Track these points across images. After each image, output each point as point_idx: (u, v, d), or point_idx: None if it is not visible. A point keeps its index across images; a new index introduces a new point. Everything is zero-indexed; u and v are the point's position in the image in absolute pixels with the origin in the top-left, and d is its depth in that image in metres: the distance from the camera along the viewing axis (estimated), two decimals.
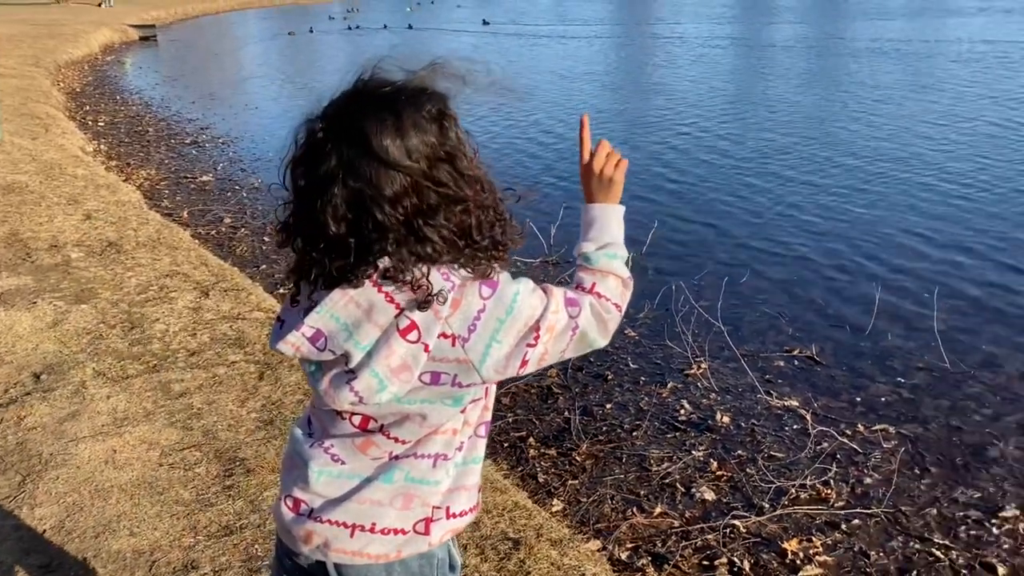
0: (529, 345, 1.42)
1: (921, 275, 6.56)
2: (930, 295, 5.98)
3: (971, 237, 7.37)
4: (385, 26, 40.05)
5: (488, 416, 1.59)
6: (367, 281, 1.36)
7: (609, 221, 1.67)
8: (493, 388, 1.58)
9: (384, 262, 1.35)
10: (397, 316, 1.36)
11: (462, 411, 1.49)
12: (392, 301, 1.36)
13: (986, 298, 6.09)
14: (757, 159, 10.69)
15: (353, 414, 1.47)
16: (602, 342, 1.55)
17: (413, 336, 1.36)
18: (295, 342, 1.42)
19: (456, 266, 1.40)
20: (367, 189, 1.33)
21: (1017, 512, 3.70)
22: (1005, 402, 4.73)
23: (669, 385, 5.01)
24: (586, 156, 1.70)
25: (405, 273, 1.35)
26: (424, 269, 1.36)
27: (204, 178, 10.54)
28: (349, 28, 39.22)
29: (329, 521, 1.51)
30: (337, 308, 1.38)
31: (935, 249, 7.12)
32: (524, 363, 1.43)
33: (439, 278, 1.37)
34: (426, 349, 1.37)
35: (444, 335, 1.37)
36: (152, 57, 27.73)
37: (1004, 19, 29.64)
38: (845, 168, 9.97)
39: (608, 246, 1.63)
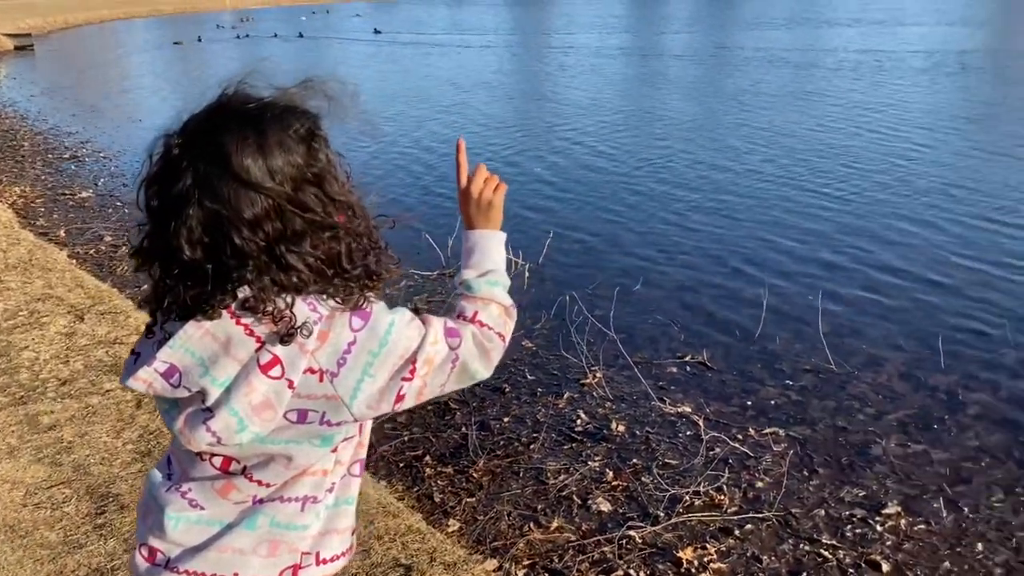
0: (405, 379, 1.34)
1: (806, 279, 6.76)
2: (814, 298, 6.17)
3: (850, 241, 7.64)
4: (276, 35, 39.34)
5: (363, 453, 1.52)
6: (224, 312, 1.27)
7: (490, 247, 1.61)
8: (368, 424, 1.50)
9: (243, 291, 1.26)
10: (258, 350, 1.27)
11: (333, 450, 1.41)
12: (252, 334, 1.27)
13: (867, 300, 6.32)
14: (646, 168, 10.87)
15: (213, 455, 1.37)
16: (485, 373, 1.49)
17: (276, 372, 1.28)
18: (147, 378, 1.31)
19: (325, 296, 1.32)
20: (225, 211, 1.24)
21: (899, 508, 3.83)
22: (886, 400, 4.89)
23: (566, 395, 5.01)
24: (463, 181, 1.65)
25: (266, 304, 1.26)
26: (288, 299, 1.27)
27: (84, 194, 10.07)
28: (239, 37, 38.38)
29: (187, 572, 1.40)
30: (192, 341, 1.28)
31: (818, 254, 7.36)
32: (400, 398, 1.35)
33: (305, 309, 1.28)
34: (290, 385, 1.28)
35: (311, 370, 1.29)
36: (28, 67, 26.45)
37: (877, 29, 31.17)
38: (731, 176, 10.24)
39: (490, 273, 1.58)
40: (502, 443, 4.48)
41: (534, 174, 10.73)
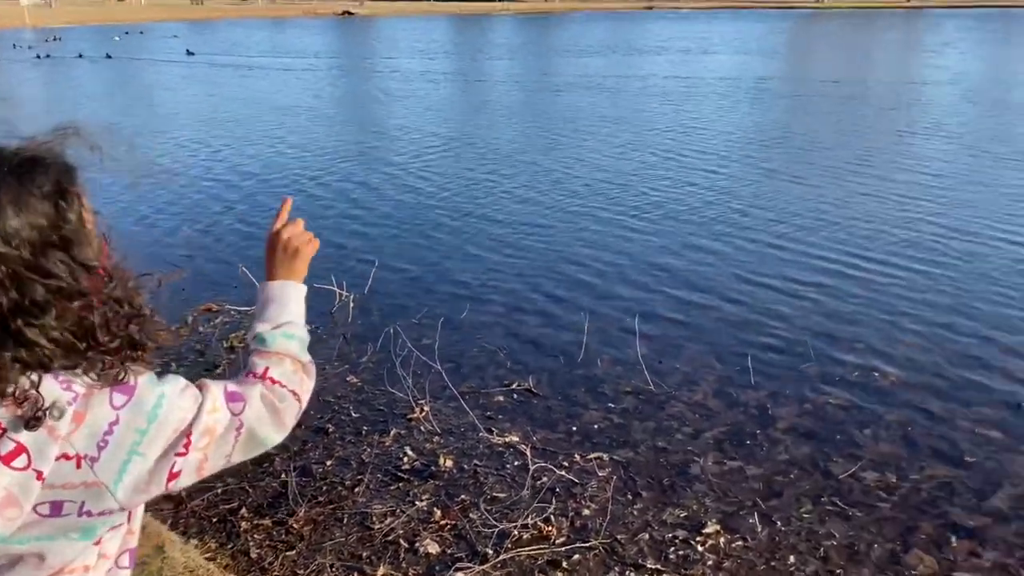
0: (179, 454, 1.20)
1: (623, 301, 6.93)
2: (632, 320, 6.33)
3: (661, 263, 7.92)
4: (81, 55, 37.02)
5: (134, 542, 1.35)
6: None
7: (288, 299, 1.50)
8: (140, 509, 1.34)
9: None
10: None
11: (96, 543, 1.24)
12: None
13: (679, 320, 6.54)
14: (468, 195, 10.91)
15: None
16: (277, 437, 1.37)
17: (20, 462, 1.10)
18: None
19: (79, 371, 1.16)
20: None
21: (718, 527, 3.94)
22: (702, 419, 5.06)
23: (392, 432, 4.87)
24: (276, 227, 1.55)
25: (5, 384, 1.09)
26: (34, 378, 1.11)
27: None
28: (38, 57, 35.83)
29: None
30: None
31: (634, 276, 7.58)
32: (173, 476, 1.21)
33: (55, 387, 1.12)
34: (39, 477, 1.11)
35: (66, 456, 1.12)
36: None
37: (683, 57, 33.01)
38: (547, 201, 10.42)
39: (286, 325, 1.47)
40: (325, 488, 4.29)
41: (356, 201, 10.54)
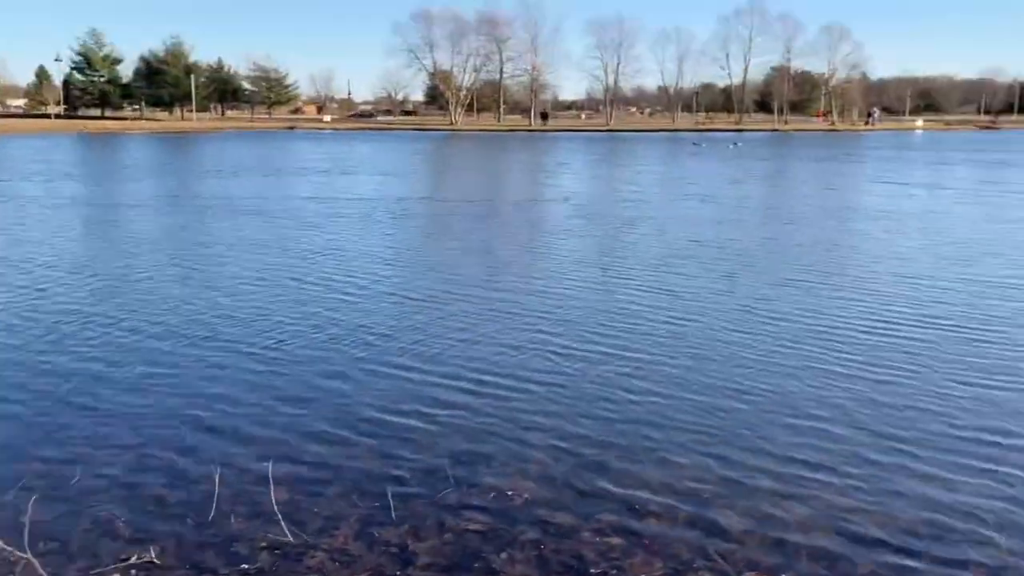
0: None
1: (256, 447, 6.51)
2: (266, 466, 5.98)
3: (297, 401, 7.65)
4: None
5: None
6: None
7: None
8: None
9: None
10: None
11: None
12: None
13: (317, 460, 6.28)
14: (79, 335, 9.77)
15: None
16: None
17: None
18: None
19: None
20: None
21: None
22: (342, 567, 4.84)
23: None
24: None
25: None
26: None
27: None
28: None
29: None
30: None
31: (267, 417, 7.17)
32: None
33: None
34: None
35: None
36: None
37: (323, 178, 33.49)
38: (176, 341, 9.68)
39: None
40: None
41: None
